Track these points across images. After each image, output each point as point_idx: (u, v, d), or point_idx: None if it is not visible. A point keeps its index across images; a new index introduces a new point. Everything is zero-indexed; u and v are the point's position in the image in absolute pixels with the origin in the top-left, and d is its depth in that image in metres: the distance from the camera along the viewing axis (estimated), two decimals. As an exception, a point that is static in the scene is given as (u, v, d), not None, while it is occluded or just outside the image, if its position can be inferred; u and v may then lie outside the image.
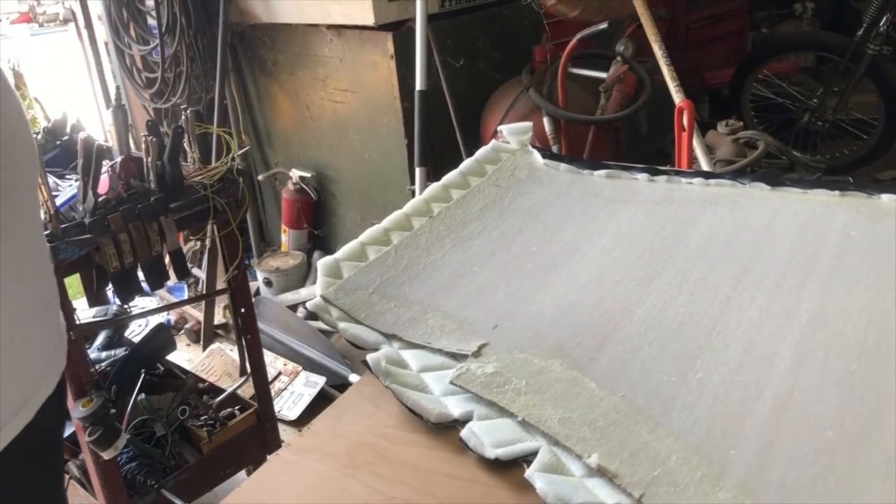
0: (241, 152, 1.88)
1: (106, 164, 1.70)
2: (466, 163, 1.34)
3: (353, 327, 0.94)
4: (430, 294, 1.00)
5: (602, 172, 1.31)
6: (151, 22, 3.16)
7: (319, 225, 3.34)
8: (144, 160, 1.74)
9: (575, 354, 0.85)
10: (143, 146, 1.73)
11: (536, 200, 1.23)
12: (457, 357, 0.87)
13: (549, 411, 0.76)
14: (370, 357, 0.87)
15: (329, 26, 2.79)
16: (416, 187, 2.53)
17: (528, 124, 1.45)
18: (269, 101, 3.29)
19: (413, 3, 2.50)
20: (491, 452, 0.74)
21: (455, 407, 0.80)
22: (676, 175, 1.29)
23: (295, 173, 3.21)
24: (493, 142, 1.42)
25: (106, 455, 1.71)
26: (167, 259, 1.79)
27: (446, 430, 0.79)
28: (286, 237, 3.35)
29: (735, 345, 0.85)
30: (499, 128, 1.47)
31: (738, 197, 1.19)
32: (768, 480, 0.67)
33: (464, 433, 0.76)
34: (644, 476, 0.68)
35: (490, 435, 0.75)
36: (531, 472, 0.70)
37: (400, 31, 2.61)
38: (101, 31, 3.50)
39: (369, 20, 2.55)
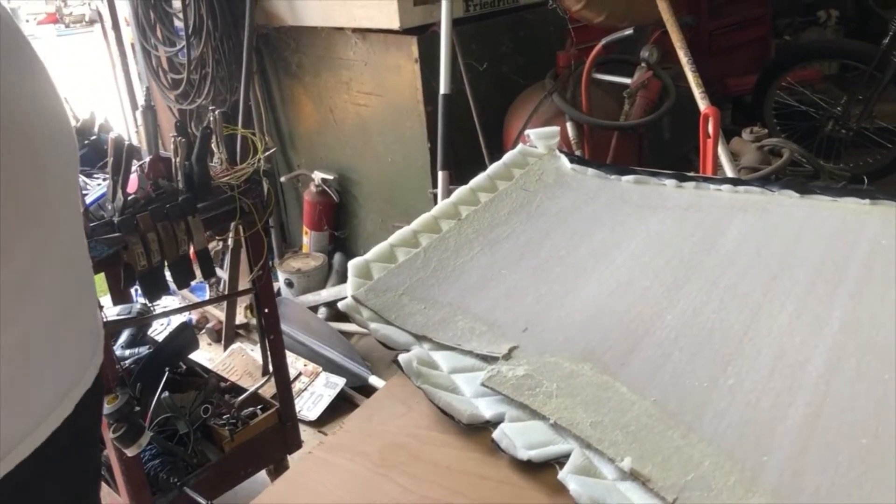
0: (267, 154, 1.90)
1: (135, 164, 1.72)
2: (494, 166, 1.34)
3: (384, 328, 0.94)
4: (460, 296, 1.00)
5: (630, 178, 1.31)
6: (178, 24, 3.20)
7: (341, 227, 3.36)
8: (173, 160, 1.76)
9: (605, 359, 0.86)
10: (172, 146, 1.75)
11: (564, 205, 1.23)
12: (487, 359, 0.88)
13: (581, 415, 0.77)
14: (402, 357, 0.87)
15: (354, 30, 2.81)
16: (439, 191, 2.54)
17: (556, 129, 1.46)
18: (292, 103, 3.32)
19: (438, 7, 2.51)
20: (523, 454, 0.74)
21: (486, 408, 0.80)
22: (705, 181, 1.29)
23: (317, 175, 3.23)
24: (520, 146, 1.43)
25: (129, 452, 1.73)
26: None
27: (478, 431, 0.80)
28: (307, 239, 3.37)
29: (766, 351, 0.85)
30: (526, 132, 1.47)
31: (767, 204, 1.18)
32: (802, 487, 0.67)
33: (496, 434, 0.77)
34: (677, 480, 0.68)
35: (522, 437, 0.76)
36: (564, 474, 0.70)
37: (424, 34, 2.62)
38: (128, 33, 3.54)
39: (394, 24, 2.57)
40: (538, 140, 1.44)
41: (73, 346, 0.86)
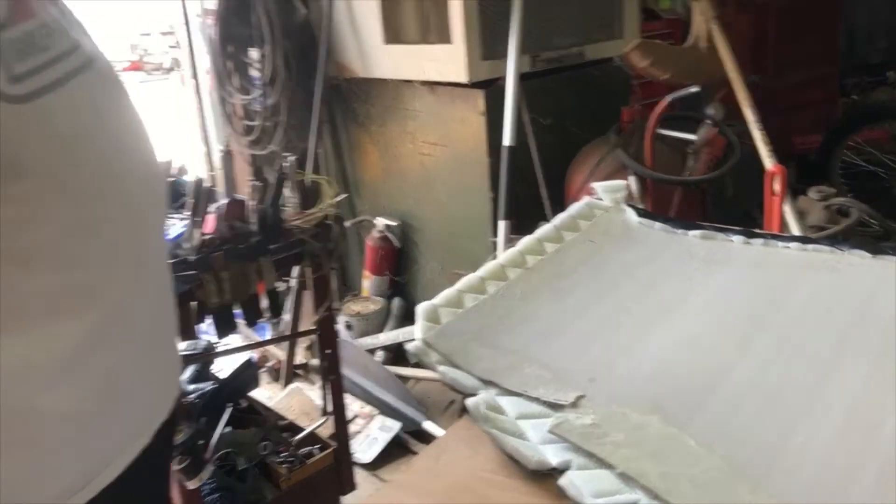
0: (337, 200, 1.97)
1: (212, 206, 1.80)
2: (560, 217, 1.37)
3: (452, 371, 0.97)
4: (527, 344, 1.02)
5: (697, 233, 1.32)
6: (253, 73, 3.34)
7: (400, 272, 3.40)
8: (248, 203, 1.83)
9: (673, 411, 0.86)
10: (248, 190, 1.82)
11: (631, 257, 1.24)
12: (554, 407, 0.89)
13: (649, 465, 0.77)
14: (469, 401, 0.89)
15: (422, 82, 2.89)
16: (499, 240, 2.57)
17: (623, 182, 1.48)
18: (359, 151, 3.41)
19: (505, 61, 2.57)
20: (590, 502, 0.75)
21: (553, 455, 0.81)
22: (773, 239, 1.29)
23: (380, 221, 3.30)
24: (586, 198, 1.45)
25: (191, 484, 1.76)
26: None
27: (544, 477, 0.81)
28: (367, 283, 3.42)
29: (838, 411, 0.84)
30: (592, 184, 1.50)
31: (837, 263, 1.18)
32: (876, 550, 0.67)
33: (562, 481, 0.78)
34: (746, 536, 0.68)
35: (589, 485, 0.77)
36: (632, 524, 0.71)
37: (491, 88, 2.68)
38: (205, 81, 3.71)
39: (463, 78, 2.64)
40: (604, 192, 1.46)
41: (156, 377, 0.90)
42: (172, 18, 3.90)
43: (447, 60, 2.68)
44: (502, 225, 2.54)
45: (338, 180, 3.50)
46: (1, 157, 0.66)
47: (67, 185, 0.72)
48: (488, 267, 1.19)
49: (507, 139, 2.52)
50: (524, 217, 2.60)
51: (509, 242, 2.46)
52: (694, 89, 2.56)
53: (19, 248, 0.69)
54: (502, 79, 2.62)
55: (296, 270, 2.21)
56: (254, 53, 3.30)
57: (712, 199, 2.86)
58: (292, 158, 1.96)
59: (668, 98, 2.63)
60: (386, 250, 3.33)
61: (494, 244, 2.71)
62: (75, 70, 0.74)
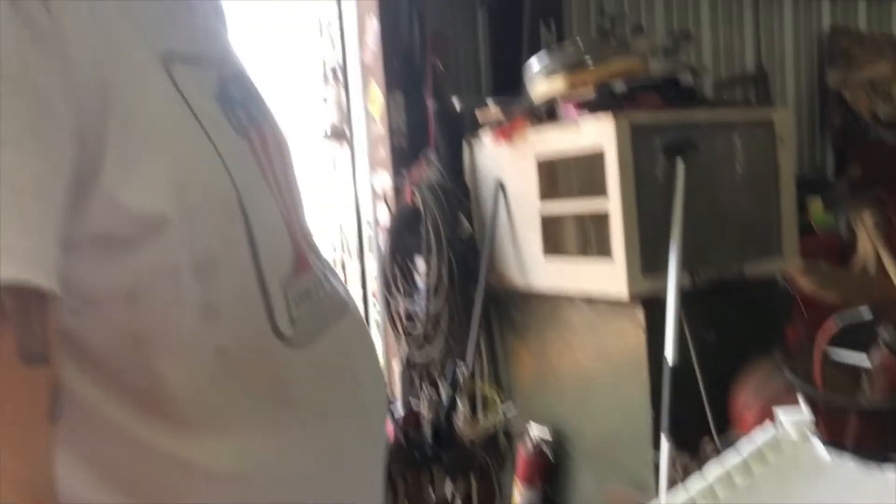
0: (507, 415, 2.03)
1: (397, 414, 1.91)
2: (745, 446, 1.35)
3: None
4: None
5: (893, 469, 1.27)
6: (417, 280, 3.58)
7: (553, 483, 3.33)
8: (423, 413, 1.93)
9: None
10: (423, 401, 1.93)
11: (824, 496, 1.21)
12: None
13: None
14: None
15: (581, 297, 2.99)
16: (662, 458, 2.51)
17: (806, 410, 1.46)
18: (514, 358, 3.49)
19: (664, 276, 2.64)
20: None
21: None
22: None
23: (533, 430, 3.29)
24: (769, 425, 1.44)
25: None
26: None
27: None
28: (518, 493, 3.36)
29: None
30: (776, 410, 1.48)
31: None
32: None
33: None
34: None
35: None
36: None
37: (651, 304, 2.73)
38: (371, 286, 4.00)
39: (622, 293, 2.72)
40: (787, 420, 1.44)
41: None
42: (344, 229, 4.27)
43: (606, 275, 2.78)
44: (665, 443, 2.49)
45: (492, 385, 3.57)
46: (275, 391, 0.79)
47: (325, 414, 0.84)
48: (681, 499, 1.19)
49: (668, 356, 2.53)
50: (686, 433, 2.54)
51: (673, 463, 2.40)
52: (863, 310, 2.50)
53: (279, 475, 0.79)
54: (663, 295, 2.68)
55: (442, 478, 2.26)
56: (419, 262, 3.56)
57: (893, 424, 2.69)
58: (464, 368, 2.07)
59: (836, 318, 2.58)
60: (538, 460, 3.29)
61: (654, 461, 2.64)
62: (336, 316, 0.88)
